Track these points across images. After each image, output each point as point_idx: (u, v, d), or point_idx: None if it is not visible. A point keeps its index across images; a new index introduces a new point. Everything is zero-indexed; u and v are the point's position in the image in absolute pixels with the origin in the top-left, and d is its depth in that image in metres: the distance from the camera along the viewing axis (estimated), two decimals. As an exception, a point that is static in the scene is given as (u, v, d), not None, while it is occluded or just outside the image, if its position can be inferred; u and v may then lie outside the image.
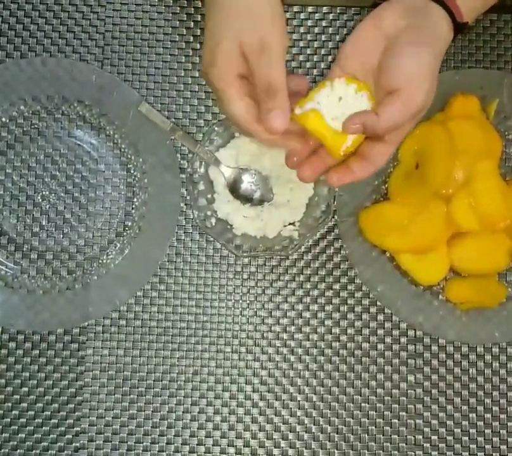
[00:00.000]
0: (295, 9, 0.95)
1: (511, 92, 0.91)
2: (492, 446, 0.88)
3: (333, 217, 0.90)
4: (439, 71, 0.90)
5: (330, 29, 0.95)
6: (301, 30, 0.94)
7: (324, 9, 0.95)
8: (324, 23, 0.95)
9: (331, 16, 0.95)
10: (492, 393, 0.89)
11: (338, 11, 0.95)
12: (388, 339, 0.90)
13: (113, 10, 0.94)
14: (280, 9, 0.69)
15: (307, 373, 0.89)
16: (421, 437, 0.88)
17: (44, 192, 0.91)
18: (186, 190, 0.89)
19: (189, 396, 0.88)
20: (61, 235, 0.91)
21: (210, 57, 0.69)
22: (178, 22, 0.94)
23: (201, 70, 0.72)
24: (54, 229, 0.91)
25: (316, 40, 0.94)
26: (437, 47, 0.69)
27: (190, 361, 0.89)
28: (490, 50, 0.95)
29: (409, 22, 0.69)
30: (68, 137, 0.92)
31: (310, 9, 0.95)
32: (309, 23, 0.95)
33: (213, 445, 0.87)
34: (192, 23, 0.94)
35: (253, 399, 0.88)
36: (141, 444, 0.87)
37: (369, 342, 0.90)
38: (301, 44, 0.94)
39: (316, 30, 0.95)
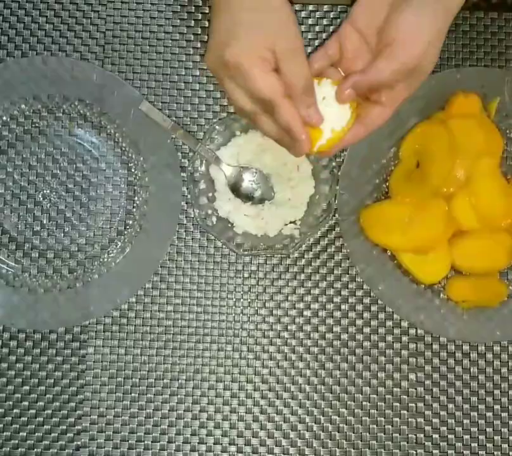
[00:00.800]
0: (297, 7, 0.95)
1: (511, 91, 0.91)
2: (493, 445, 0.88)
3: (334, 216, 0.90)
4: (440, 69, 0.92)
5: (331, 28, 0.95)
6: (303, 28, 0.94)
7: (325, 8, 0.95)
8: (325, 22, 0.95)
9: (331, 15, 0.95)
10: (493, 392, 0.89)
11: (339, 10, 0.95)
12: (389, 338, 0.90)
13: (114, 9, 0.94)
14: (289, 7, 0.69)
15: (308, 372, 0.89)
16: (422, 435, 0.88)
17: (45, 191, 0.91)
18: (187, 188, 0.89)
19: (191, 395, 0.88)
20: (62, 234, 0.91)
21: (228, 34, 0.68)
22: (179, 21, 0.94)
23: (209, 53, 0.70)
24: (55, 228, 0.90)
25: (317, 39, 0.94)
26: (443, 9, 0.68)
27: (191, 360, 0.89)
28: (491, 49, 0.95)
29: None
30: (68, 136, 0.92)
31: (311, 7, 0.95)
32: (310, 21, 0.95)
33: (214, 443, 0.87)
34: (193, 22, 0.94)
35: (255, 398, 0.88)
36: (142, 443, 0.87)
37: (370, 341, 0.90)
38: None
39: (317, 28, 0.95)
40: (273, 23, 0.68)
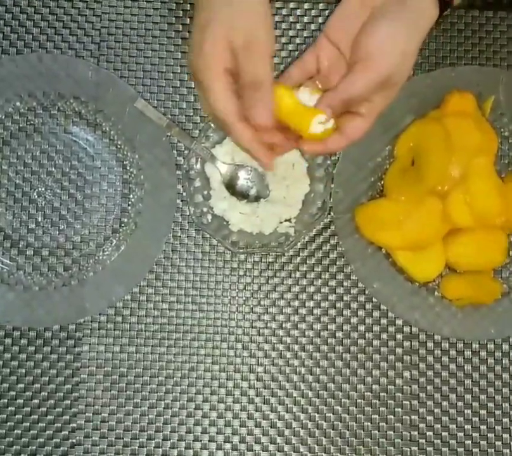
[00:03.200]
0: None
1: (506, 89, 0.91)
2: (487, 442, 0.88)
3: (329, 214, 0.91)
4: (435, 67, 0.92)
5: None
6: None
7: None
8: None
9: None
10: (487, 389, 0.90)
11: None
12: (384, 336, 0.90)
13: (109, 6, 0.94)
14: (267, 4, 0.69)
15: (303, 370, 0.89)
16: (416, 433, 0.88)
17: (40, 189, 0.91)
18: (182, 186, 0.89)
19: (185, 393, 0.88)
20: (57, 232, 0.90)
21: (198, 49, 0.68)
22: (174, 18, 0.94)
23: (188, 62, 0.72)
24: (50, 226, 0.90)
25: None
26: (418, 22, 0.69)
27: (186, 358, 0.89)
28: (486, 48, 0.95)
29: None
30: (64, 134, 0.91)
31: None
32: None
33: (209, 441, 0.87)
34: (188, 20, 0.94)
35: (249, 396, 0.88)
36: (137, 441, 0.87)
37: (364, 339, 0.90)
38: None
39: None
40: (234, 17, 0.67)
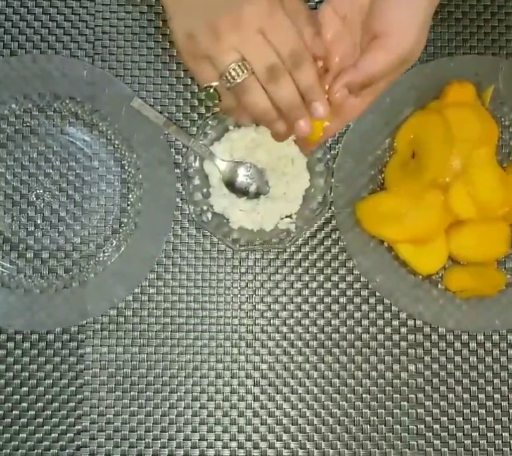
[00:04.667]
0: None
1: (506, 78, 0.90)
2: (494, 434, 0.88)
3: (330, 208, 0.90)
4: (433, 58, 0.92)
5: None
6: None
7: None
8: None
9: None
10: (493, 381, 0.89)
11: None
12: (388, 329, 0.90)
13: (103, 4, 0.93)
14: None
15: (308, 366, 0.89)
16: (423, 426, 0.88)
17: (38, 191, 0.90)
18: (181, 185, 0.89)
19: (190, 392, 0.88)
20: (57, 234, 0.90)
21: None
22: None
23: (183, 28, 0.65)
24: (49, 228, 0.90)
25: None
26: None
27: (190, 357, 0.89)
28: (484, 36, 0.94)
29: None
30: (60, 134, 0.91)
31: None
32: None
33: (215, 440, 0.87)
34: (182, 16, 0.93)
35: (254, 393, 0.88)
36: (143, 441, 0.87)
37: (368, 333, 0.90)
38: None
39: None
40: None
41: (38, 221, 0.90)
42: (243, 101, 0.66)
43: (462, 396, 0.89)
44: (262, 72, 0.64)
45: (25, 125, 0.91)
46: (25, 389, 0.88)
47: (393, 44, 0.64)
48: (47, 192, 0.90)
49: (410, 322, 0.90)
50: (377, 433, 0.88)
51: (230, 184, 0.88)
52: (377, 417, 0.88)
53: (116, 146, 0.91)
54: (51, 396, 0.87)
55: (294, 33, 0.63)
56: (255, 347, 0.89)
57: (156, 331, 0.89)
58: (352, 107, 0.68)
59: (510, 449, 0.88)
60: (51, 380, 0.88)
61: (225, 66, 0.64)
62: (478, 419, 0.88)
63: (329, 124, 0.69)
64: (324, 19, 0.68)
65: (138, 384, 0.88)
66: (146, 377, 0.88)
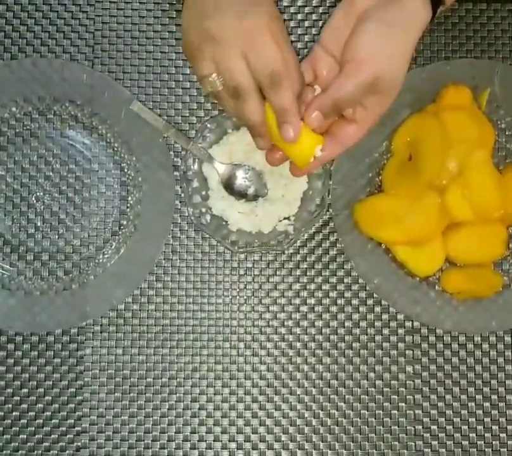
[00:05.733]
0: (285, 3, 0.95)
1: (502, 82, 0.91)
2: (491, 435, 0.88)
3: (328, 211, 0.91)
4: (430, 61, 0.92)
5: (320, 22, 0.95)
6: (292, 24, 0.95)
7: (314, 2, 0.95)
8: (314, 17, 0.95)
9: (320, 10, 0.95)
10: (490, 382, 0.90)
11: (328, 4, 0.95)
12: (386, 331, 0.90)
13: (102, 9, 0.94)
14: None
15: (306, 367, 0.89)
16: (420, 427, 0.88)
17: (38, 193, 0.91)
18: (180, 187, 0.90)
19: (189, 393, 0.88)
20: (57, 236, 0.91)
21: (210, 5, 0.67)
22: (167, 19, 0.93)
23: (188, 24, 0.70)
24: (49, 230, 0.91)
25: (306, 34, 0.95)
26: (406, 24, 0.67)
27: (189, 358, 0.89)
28: (480, 40, 0.95)
29: (379, 3, 0.68)
30: (60, 138, 0.92)
31: (299, 2, 0.95)
32: (299, 16, 0.95)
33: (214, 441, 0.87)
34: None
35: (253, 394, 0.89)
36: (142, 442, 0.87)
37: (366, 335, 0.90)
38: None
39: (306, 23, 0.95)
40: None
41: (39, 224, 0.91)
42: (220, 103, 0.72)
43: (460, 397, 0.89)
44: (229, 90, 0.68)
45: (25, 128, 0.91)
46: (25, 390, 0.88)
47: (357, 69, 0.67)
48: (47, 195, 0.91)
49: (408, 324, 0.90)
50: (375, 434, 0.88)
51: (229, 187, 0.88)
52: (375, 418, 0.88)
53: (115, 149, 0.91)
54: (50, 397, 0.88)
55: (276, 57, 0.66)
56: (253, 348, 0.89)
57: (155, 333, 0.89)
58: (348, 134, 0.71)
59: (507, 450, 0.88)
60: (51, 382, 0.88)
61: (201, 75, 0.69)
62: (476, 420, 0.89)
63: (326, 150, 0.72)
64: (316, 58, 0.73)
65: (137, 385, 0.88)
66: (146, 378, 0.88)
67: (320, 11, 0.95)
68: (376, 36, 0.67)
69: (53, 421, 0.87)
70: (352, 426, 0.88)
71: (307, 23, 0.94)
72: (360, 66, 0.66)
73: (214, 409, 0.88)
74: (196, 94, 0.93)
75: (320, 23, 0.94)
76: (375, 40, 0.67)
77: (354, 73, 0.67)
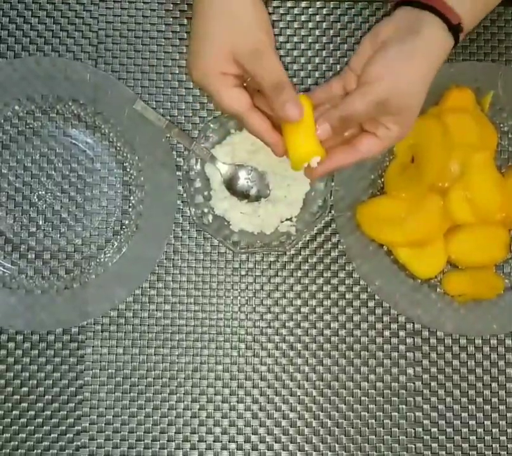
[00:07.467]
0: (289, 4, 0.95)
1: (505, 84, 0.91)
2: (491, 437, 0.88)
3: (330, 212, 0.91)
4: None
5: (310, 24, 0.95)
6: (295, 25, 0.95)
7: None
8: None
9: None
10: (490, 385, 0.90)
11: (332, 6, 0.95)
12: (387, 333, 0.90)
13: (106, 8, 0.94)
14: (262, 8, 0.72)
15: (307, 368, 0.89)
16: (420, 429, 0.88)
17: (40, 192, 0.91)
18: (183, 187, 0.89)
19: (189, 393, 0.88)
20: (58, 235, 0.91)
21: (196, 49, 0.72)
22: (171, 19, 0.93)
23: (188, 70, 0.74)
24: (51, 229, 0.91)
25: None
26: (426, 50, 0.70)
27: (189, 358, 0.89)
28: (484, 43, 0.95)
29: (399, 32, 0.70)
30: (63, 136, 0.92)
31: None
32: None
33: (214, 441, 0.87)
34: (185, 20, 0.93)
35: (253, 395, 0.88)
36: (142, 442, 0.87)
37: (367, 336, 0.90)
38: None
39: (296, 24, 0.95)
40: (234, 29, 0.71)
41: (40, 223, 0.91)
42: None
43: (460, 399, 0.89)
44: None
45: (27, 126, 0.91)
46: (25, 389, 0.88)
47: (368, 89, 0.69)
48: (49, 194, 0.91)
49: (409, 326, 0.90)
50: (376, 436, 0.88)
51: (231, 187, 0.88)
52: (376, 420, 0.88)
53: (118, 148, 0.91)
54: (50, 397, 0.88)
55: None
56: (254, 349, 0.89)
57: (156, 332, 0.89)
58: (369, 145, 0.73)
59: (507, 453, 0.88)
60: (51, 381, 0.88)
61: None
62: (476, 423, 0.89)
63: (345, 156, 0.73)
64: (346, 78, 0.74)
65: (138, 385, 0.88)
66: (146, 378, 0.88)
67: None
68: (390, 59, 0.69)
69: (53, 420, 0.87)
70: (352, 428, 0.88)
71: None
72: (370, 86, 0.69)
73: (214, 409, 0.88)
74: (199, 94, 0.93)
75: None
76: (388, 64, 0.69)
77: (363, 92, 0.69)
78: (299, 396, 0.89)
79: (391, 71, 0.69)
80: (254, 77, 0.70)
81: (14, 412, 0.87)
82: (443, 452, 0.88)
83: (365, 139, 0.72)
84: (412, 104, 0.71)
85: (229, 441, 0.87)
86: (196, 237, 0.91)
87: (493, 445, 0.88)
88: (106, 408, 0.88)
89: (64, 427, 0.87)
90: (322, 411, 0.88)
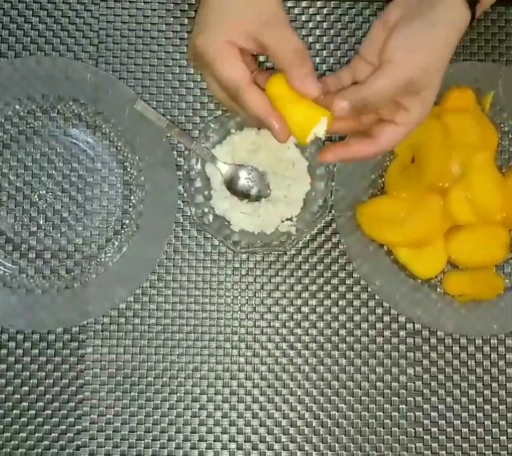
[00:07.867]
0: (304, 4, 0.95)
1: (505, 84, 0.91)
2: (492, 437, 0.88)
3: (330, 212, 0.91)
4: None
5: (324, 24, 0.95)
6: (310, 25, 0.95)
7: (319, 4, 0.95)
8: (318, 18, 0.95)
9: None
10: (491, 385, 0.90)
11: (333, 5, 0.95)
12: (387, 333, 0.90)
13: (107, 8, 0.94)
14: None
15: (307, 368, 0.89)
16: (421, 429, 0.88)
17: (40, 192, 0.91)
18: (183, 187, 0.89)
19: (190, 393, 0.88)
20: (59, 234, 0.91)
21: (202, 26, 0.70)
22: (172, 19, 0.93)
23: (189, 45, 0.72)
24: (51, 228, 0.91)
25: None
26: (444, 25, 0.67)
27: (190, 358, 0.89)
28: (484, 43, 0.95)
29: (412, 9, 0.68)
30: (63, 136, 0.92)
31: (304, 3, 0.95)
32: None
33: (214, 441, 0.87)
34: (186, 20, 0.94)
35: (254, 395, 0.89)
36: (143, 442, 0.87)
37: (367, 336, 0.90)
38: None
39: (325, 24, 0.95)
40: (249, 1, 0.69)
41: (41, 222, 0.91)
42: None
43: (460, 399, 0.89)
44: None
45: (28, 126, 0.91)
46: (26, 388, 0.88)
47: (390, 69, 0.67)
48: (50, 193, 0.91)
49: (409, 325, 0.90)
50: (376, 436, 0.88)
51: (232, 187, 0.88)
52: (376, 420, 0.88)
53: (118, 148, 0.91)
54: (51, 396, 0.88)
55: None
56: (254, 349, 0.89)
57: (156, 332, 0.89)
58: (389, 134, 0.70)
59: (508, 453, 0.88)
60: (52, 380, 0.88)
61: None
62: (476, 422, 0.89)
63: (365, 148, 0.71)
64: (356, 66, 0.73)
65: (138, 385, 0.88)
66: (146, 377, 0.88)
67: (325, 12, 0.95)
68: (411, 36, 0.67)
69: (53, 420, 0.87)
70: (352, 427, 0.88)
71: (311, 24, 0.95)
72: (392, 66, 0.66)
73: (214, 409, 0.88)
74: (199, 93, 0.93)
75: (325, 24, 0.95)
76: (410, 39, 0.67)
77: (387, 72, 0.67)
78: (299, 395, 0.89)
79: (410, 48, 0.67)
80: (271, 49, 0.67)
81: (14, 411, 0.87)
82: (443, 452, 0.88)
83: (385, 129, 0.70)
84: (437, 81, 0.69)
85: (230, 441, 0.88)
86: (197, 237, 0.91)
87: (494, 445, 0.88)
88: (106, 408, 0.88)
89: (64, 427, 0.87)
90: (322, 411, 0.88)
